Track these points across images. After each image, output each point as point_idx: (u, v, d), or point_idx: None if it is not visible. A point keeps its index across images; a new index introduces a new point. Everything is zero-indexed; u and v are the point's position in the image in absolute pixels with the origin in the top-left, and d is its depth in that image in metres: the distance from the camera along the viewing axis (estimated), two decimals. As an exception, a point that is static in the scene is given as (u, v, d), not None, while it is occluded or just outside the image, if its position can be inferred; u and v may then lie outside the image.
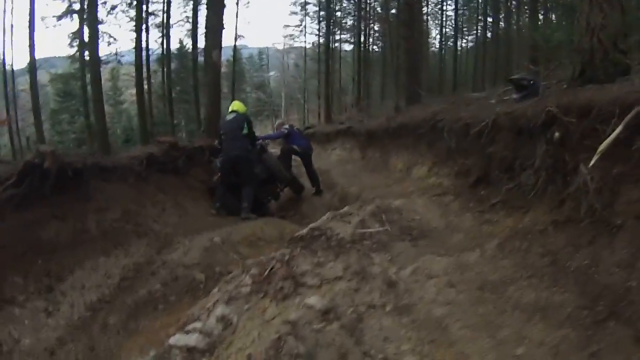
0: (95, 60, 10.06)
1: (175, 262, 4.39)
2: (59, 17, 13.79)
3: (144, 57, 14.77)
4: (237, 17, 29.69)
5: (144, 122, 13.70)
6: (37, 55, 14.31)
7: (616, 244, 2.96)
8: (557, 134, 3.89)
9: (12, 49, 23.59)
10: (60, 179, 4.27)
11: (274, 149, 9.27)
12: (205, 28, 10.38)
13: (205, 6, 10.84)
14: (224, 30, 9.28)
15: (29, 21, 11.93)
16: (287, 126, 8.85)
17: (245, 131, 6.65)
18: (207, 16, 10.31)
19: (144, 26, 14.83)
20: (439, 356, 2.37)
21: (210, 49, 9.19)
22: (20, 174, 3.97)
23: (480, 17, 26.86)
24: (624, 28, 4.52)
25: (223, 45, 12.83)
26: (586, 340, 2.33)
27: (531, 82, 5.41)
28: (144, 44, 14.93)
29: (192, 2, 15.43)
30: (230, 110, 7.04)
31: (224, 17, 9.48)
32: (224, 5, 9.42)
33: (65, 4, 13.70)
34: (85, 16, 12.13)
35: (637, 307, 2.38)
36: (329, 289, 3.04)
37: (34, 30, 12.05)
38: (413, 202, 5.23)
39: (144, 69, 14.82)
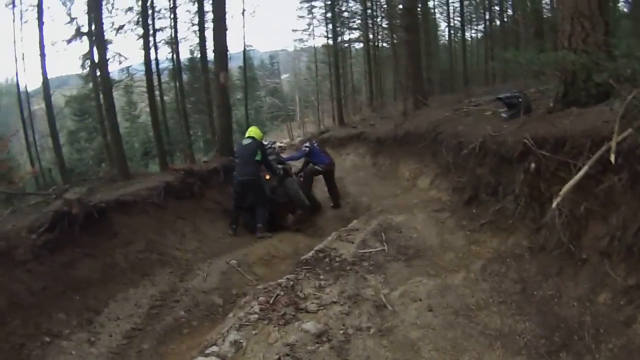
0: (108, 87, 10.35)
1: (196, 289, 4.83)
2: (69, 41, 14.19)
3: (154, 74, 15.19)
4: (244, 27, 29.86)
5: (159, 139, 14.32)
6: (52, 75, 14.62)
7: (580, 277, 3.30)
8: (533, 165, 4.12)
9: (24, 74, 24.35)
10: (87, 221, 4.76)
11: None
12: (213, 51, 10.70)
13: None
14: (234, 39, 9.58)
15: (40, 50, 12.08)
16: (307, 144, 9.06)
17: (258, 157, 6.99)
18: (213, 40, 10.67)
19: (152, 43, 15.22)
20: (409, 374, 2.76)
21: (217, 72, 9.60)
22: (51, 222, 4.46)
23: (487, 6, 26.25)
24: (609, 46, 4.17)
25: (233, 53, 13.15)
26: (537, 368, 2.64)
27: (520, 99, 5.56)
28: (153, 61, 15.30)
29: (197, 18, 15.69)
30: (247, 135, 7.37)
31: (228, 34, 9.80)
32: (226, 29, 9.78)
33: (74, 27, 14.13)
34: (93, 38, 12.50)
35: (586, 342, 2.72)
36: (324, 313, 3.46)
37: (44, 60, 12.17)
38: (414, 218, 5.63)
39: (156, 88, 15.28)
